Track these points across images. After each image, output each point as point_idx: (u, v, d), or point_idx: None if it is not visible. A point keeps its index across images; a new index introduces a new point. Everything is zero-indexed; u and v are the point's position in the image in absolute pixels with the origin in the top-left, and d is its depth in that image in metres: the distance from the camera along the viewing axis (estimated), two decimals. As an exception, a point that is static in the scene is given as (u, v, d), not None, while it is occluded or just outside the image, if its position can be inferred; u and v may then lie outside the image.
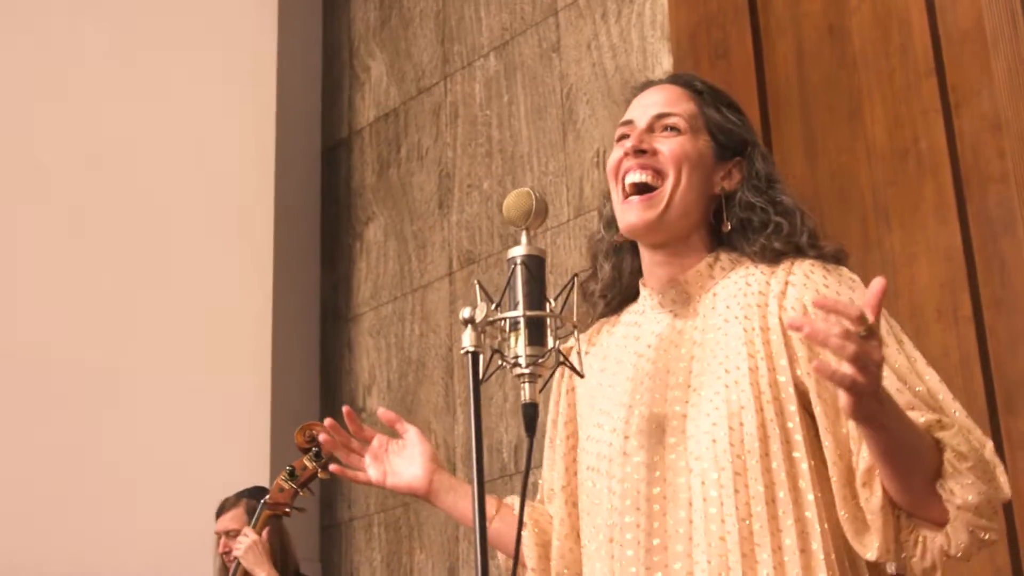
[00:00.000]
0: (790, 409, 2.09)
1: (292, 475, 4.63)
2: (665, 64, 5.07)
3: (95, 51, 6.30)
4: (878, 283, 1.84)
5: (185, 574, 5.30)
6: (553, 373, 2.08)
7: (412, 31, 6.37)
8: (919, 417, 1.99)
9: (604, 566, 2.16)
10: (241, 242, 6.15)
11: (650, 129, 2.30)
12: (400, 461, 2.47)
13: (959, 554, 1.99)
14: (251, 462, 5.52)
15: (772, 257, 2.24)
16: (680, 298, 2.29)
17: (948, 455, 1.97)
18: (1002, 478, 2.02)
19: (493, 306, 2.04)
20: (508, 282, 2.07)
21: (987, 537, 1.99)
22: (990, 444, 2.03)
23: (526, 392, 2.03)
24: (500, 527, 2.43)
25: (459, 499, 2.44)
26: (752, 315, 2.17)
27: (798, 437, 2.08)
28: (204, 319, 5.96)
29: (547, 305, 2.06)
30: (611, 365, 2.31)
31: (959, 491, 1.96)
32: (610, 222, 2.39)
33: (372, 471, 2.47)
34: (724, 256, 2.29)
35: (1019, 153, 3.87)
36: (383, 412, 2.47)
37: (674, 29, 4.99)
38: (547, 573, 2.41)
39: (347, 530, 5.99)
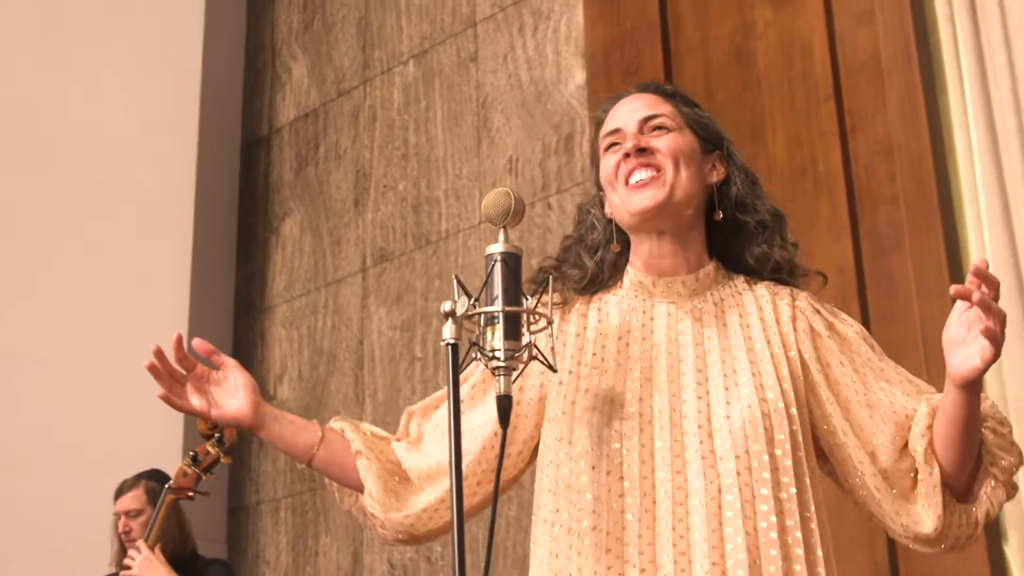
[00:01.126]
0: (795, 424, 2.17)
1: (195, 460, 4.64)
2: (578, 79, 5.17)
3: (20, 43, 6.26)
4: (982, 262, 2.04)
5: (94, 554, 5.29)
6: (526, 366, 2.07)
7: (334, 36, 6.42)
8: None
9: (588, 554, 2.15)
10: (161, 233, 6.15)
11: (641, 132, 2.33)
12: (222, 392, 2.35)
13: (994, 516, 2.19)
14: (165, 449, 5.52)
15: (769, 271, 2.35)
16: (687, 293, 2.32)
17: (990, 423, 2.19)
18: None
19: (472, 301, 2.05)
20: (487, 278, 2.08)
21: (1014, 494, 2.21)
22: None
23: (500, 385, 2.04)
24: (324, 454, 2.38)
25: (284, 428, 2.37)
26: (772, 333, 2.26)
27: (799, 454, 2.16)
28: (123, 307, 5.95)
29: (523, 301, 2.08)
30: (610, 345, 2.30)
31: (1003, 455, 2.17)
32: (593, 225, 2.42)
33: (195, 400, 2.34)
34: (722, 265, 2.36)
35: (909, 177, 4.02)
36: (198, 342, 2.32)
37: (588, 46, 5.09)
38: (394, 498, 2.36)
39: (254, 513, 6.01)
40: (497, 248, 2.09)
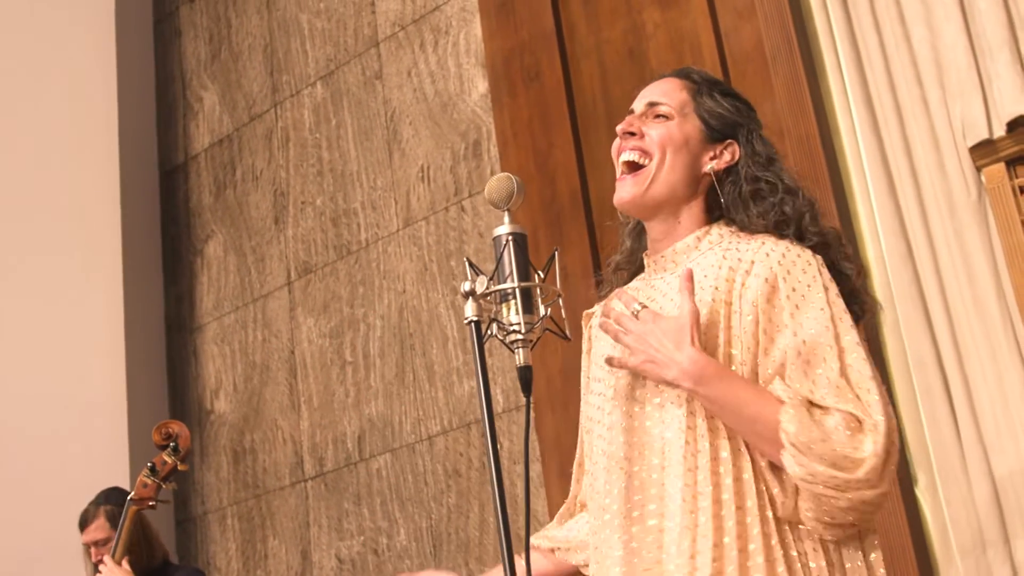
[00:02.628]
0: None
1: (153, 471, 4.66)
2: (480, 88, 5.26)
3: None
4: (686, 271, 2.19)
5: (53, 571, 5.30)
6: (540, 337, 2.15)
7: (242, 63, 6.46)
8: (784, 392, 2.11)
9: (595, 503, 2.29)
10: (91, 263, 6.18)
11: (644, 116, 2.41)
12: None
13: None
14: (111, 464, 5.54)
15: (775, 228, 2.30)
16: (667, 268, 2.37)
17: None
18: (841, 467, 2.04)
19: (489, 279, 2.13)
20: (498, 258, 2.15)
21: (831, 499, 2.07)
22: (865, 439, 2.06)
23: (520, 356, 2.12)
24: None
25: None
26: (721, 288, 2.23)
27: None
28: (61, 334, 5.97)
29: (534, 276, 2.15)
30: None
31: (788, 465, 2.07)
32: None
33: None
34: (716, 231, 2.36)
35: (800, 157, 4.14)
36: None
37: (489, 56, 5.17)
38: None
39: (201, 523, 6.03)
40: (505, 229, 2.18)
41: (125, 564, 4.53)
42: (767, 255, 2.22)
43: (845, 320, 2.18)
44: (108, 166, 6.33)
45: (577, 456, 2.55)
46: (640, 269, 2.49)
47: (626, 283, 2.48)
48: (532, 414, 2.41)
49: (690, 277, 2.19)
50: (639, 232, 2.50)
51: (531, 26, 5.03)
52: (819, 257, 2.25)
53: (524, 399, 2.11)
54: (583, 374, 2.50)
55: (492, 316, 2.14)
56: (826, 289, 2.19)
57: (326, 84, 5.98)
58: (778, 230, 2.30)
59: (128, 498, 4.66)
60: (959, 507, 3.72)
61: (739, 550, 2.07)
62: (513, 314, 2.12)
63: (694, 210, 2.38)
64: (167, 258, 6.56)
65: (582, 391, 2.48)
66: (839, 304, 2.19)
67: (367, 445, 5.37)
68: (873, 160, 4.07)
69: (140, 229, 6.43)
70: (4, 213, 6.16)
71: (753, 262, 2.22)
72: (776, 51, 4.31)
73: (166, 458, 4.61)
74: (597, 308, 2.45)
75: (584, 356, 2.51)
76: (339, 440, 5.49)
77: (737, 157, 2.39)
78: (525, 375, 2.13)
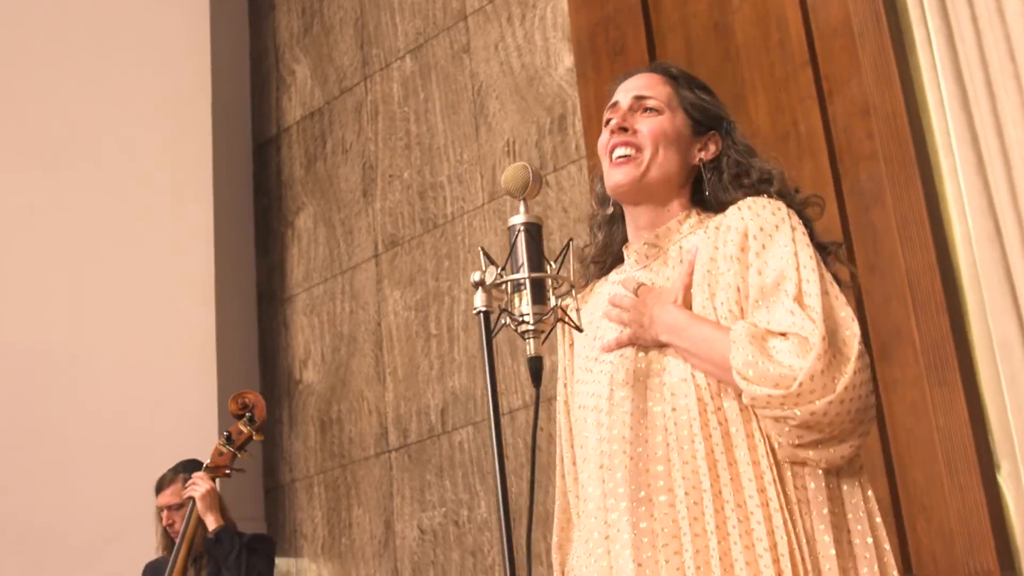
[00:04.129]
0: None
1: (229, 440, 4.68)
2: (567, 62, 5.15)
3: (43, 60, 6.27)
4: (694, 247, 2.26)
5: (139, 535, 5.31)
6: (553, 328, 2.13)
7: (333, 37, 6.40)
8: (738, 326, 2.14)
9: (596, 489, 2.24)
10: (185, 234, 6.19)
11: (632, 110, 2.42)
12: None
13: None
14: (201, 433, 5.53)
15: (749, 186, 2.36)
16: (653, 253, 2.39)
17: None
18: (780, 384, 2.07)
19: (499, 270, 2.10)
20: (512, 248, 2.13)
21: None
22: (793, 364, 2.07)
23: (531, 346, 2.09)
24: None
25: None
26: (703, 258, 2.27)
27: None
28: (153, 304, 5.99)
29: (547, 267, 2.12)
30: (598, 319, 2.39)
31: (743, 394, 2.11)
32: (602, 199, 2.51)
33: None
34: (696, 215, 2.39)
35: (886, 134, 4.00)
36: None
37: (575, 30, 5.06)
38: None
39: (289, 491, 6.02)
40: (519, 219, 2.15)
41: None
42: (738, 209, 2.28)
43: (806, 252, 2.20)
44: (202, 138, 6.32)
45: (568, 455, 2.50)
46: (616, 261, 2.50)
47: (599, 274, 2.52)
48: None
49: (695, 252, 2.27)
50: (611, 223, 2.51)
51: (617, 0, 4.91)
52: (792, 209, 2.30)
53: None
54: (561, 367, 2.51)
55: (503, 306, 2.11)
56: (793, 229, 2.23)
57: (415, 57, 5.90)
58: (757, 190, 2.36)
59: (204, 465, 4.68)
60: (1043, 495, 3.57)
61: (737, 504, 2.10)
62: (524, 305, 2.08)
63: (682, 199, 2.42)
64: (259, 229, 6.54)
65: (562, 384, 2.50)
66: (803, 240, 2.22)
67: (450, 418, 5.30)
68: (962, 138, 3.89)
69: (233, 201, 6.42)
70: (99, 184, 6.17)
71: (729, 227, 2.27)
72: (864, 25, 4.14)
73: (242, 428, 4.61)
74: (570, 300, 2.42)
75: (566, 349, 2.51)
76: (423, 412, 5.43)
77: (720, 148, 2.43)
78: (535, 366, 2.11)
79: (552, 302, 2.11)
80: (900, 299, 3.86)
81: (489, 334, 2.06)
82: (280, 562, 5.94)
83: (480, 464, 5.14)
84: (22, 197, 6.06)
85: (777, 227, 2.23)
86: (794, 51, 4.35)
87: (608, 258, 2.51)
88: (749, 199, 2.29)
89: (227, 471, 4.69)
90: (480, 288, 2.08)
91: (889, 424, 3.88)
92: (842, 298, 2.19)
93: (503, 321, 2.11)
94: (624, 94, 2.45)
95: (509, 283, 2.10)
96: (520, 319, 2.08)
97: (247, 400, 4.74)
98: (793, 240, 2.20)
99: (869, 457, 3.89)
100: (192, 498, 4.63)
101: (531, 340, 2.08)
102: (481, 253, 2.13)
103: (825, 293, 2.16)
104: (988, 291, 3.74)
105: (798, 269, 2.17)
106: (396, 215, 5.81)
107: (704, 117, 2.43)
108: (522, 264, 2.09)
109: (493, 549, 5.01)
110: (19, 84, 6.22)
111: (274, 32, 6.76)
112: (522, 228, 2.12)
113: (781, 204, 2.28)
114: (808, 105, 4.26)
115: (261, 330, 6.38)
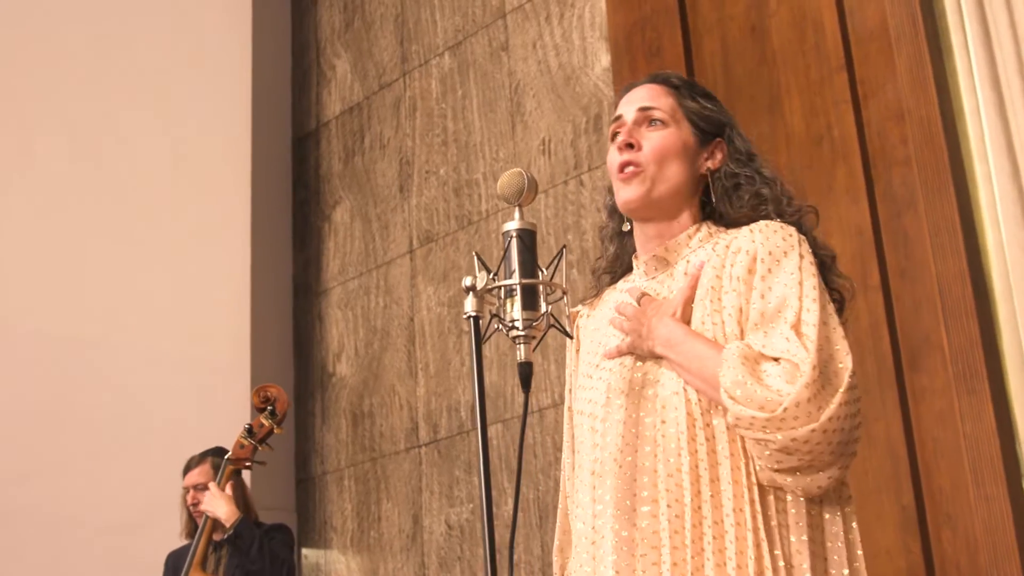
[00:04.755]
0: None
1: (250, 432, 4.70)
2: (604, 62, 5.12)
3: (90, 58, 6.31)
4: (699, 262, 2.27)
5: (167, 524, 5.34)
6: (545, 334, 2.12)
7: (373, 33, 6.40)
8: (731, 346, 2.13)
9: (586, 495, 2.25)
10: (222, 226, 6.20)
11: (637, 123, 2.40)
12: None
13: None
14: (234, 423, 5.52)
15: (752, 211, 2.34)
16: (661, 266, 2.38)
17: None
18: (765, 408, 2.05)
19: (491, 275, 2.10)
20: (504, 253, 2.12)
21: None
22: (783, 391, 2.06)
23: (521, 352, 2.09)
24: None
25: None
26: (709, 274, 2.26)
27: None
28: (189, 296, 6.00)
29: (539, 273, 2.12)
30: (605, 326, 2.39)
31: (729, 413, 2.09)
32: (612, 211, 2.50)
33: None
34: (706, 228, 2.38)
35: (920, 139, 3.94)
36: None
37: (612, 30, 5.03)
38: None
39: (320, 483, 6.03)
40: (513, 225, 2.15)
41: (228, 489, 4.60)
42: (750, 231, 2.27)
43: (810, 281, 2.19)
44: (242, 131, 6.34)
45: (570, 460, 2.49)
46: (627, 271, 2.50)
47: (610, 283, 2.51)
48: (532, 410, 2.37)
49: (700, 267, 2.26)
50: (621, 235, 2.49)
51: (654, 1, 4.87)
52: (803, 236, 2.28)
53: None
54: (568, 372, 2.52)
55: (493, 312, 2.11)
56: (801, 257, 2.22)
57: (454, 54, 5.88)
58: (755, 211, 2.34)
59: (225, 457, 4.70)
60: (1071, 508, 3.51)
61: (714, 521, 2.10)
62: (515, 310, 2.08)
63: (692, 209, 2.40)
64: (296, 223, 6.55)
65: (567, 389, 2.51)
66: (810, 269, 2.21)
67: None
68: (997, 144, 3.83)
69: (271, 194, 6.43)
70: (139, 175, 6.19)
71: (739, 248, 2.25)
72: (900, 29, 4.09)
73: (263, 421, 4.62)
74: (583, 308, 2.50)
75: (574, 354, 2.51)
76: (453, 408, 5.42)
77: (725, 155, 2.42)
78: (524, 371, 2.12)
79: (544, 308, 2.09)
80: (930, 306, 3.81)
81: (479, 338, 2.06)
82: (309, 553, 5.95)
83: (508, 461, 5.11)
84: (64, 187, 6.08)
85: (786, 253, 2.22)
86: (830, 54, 4.30)
87: (619, 268, 2.51)
88: (762, 223, 2.28)
89: (248, 463, 4.72)
90: (471, 293, 2.08)
91: (916, 432, 3.83)
92: (840, 330, 2.18)
93: (495, 326, 2.10)
94: (628, 107, 2.43)
95: (501, 288, 2.10)
96: (511, 324, 2.07)
97: (269, 394, 4.75)
98: (800, 268, 2.20)
99: (896, 464, 3.86)
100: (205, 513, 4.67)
101: (521, 345, 2.07)
102: (475, 258, 2.14)
103: (824, 323, 2.15)
104: (1019, 300, 3.68)
105: (800, 298, 2.17)
106: (431, 211, 5.80)
107: (708, 125, 2.42)
108: (514, 270, 2.09)
109: (519, 547, 4.99)
110: (64, 77, 6.25)
111: (316, 27, 6.77)
112: (515, 234, 2.12)
113: (793, 231, 2.27)
114: (842, 109, 4.21)
115: (296, 323, 6.39)
